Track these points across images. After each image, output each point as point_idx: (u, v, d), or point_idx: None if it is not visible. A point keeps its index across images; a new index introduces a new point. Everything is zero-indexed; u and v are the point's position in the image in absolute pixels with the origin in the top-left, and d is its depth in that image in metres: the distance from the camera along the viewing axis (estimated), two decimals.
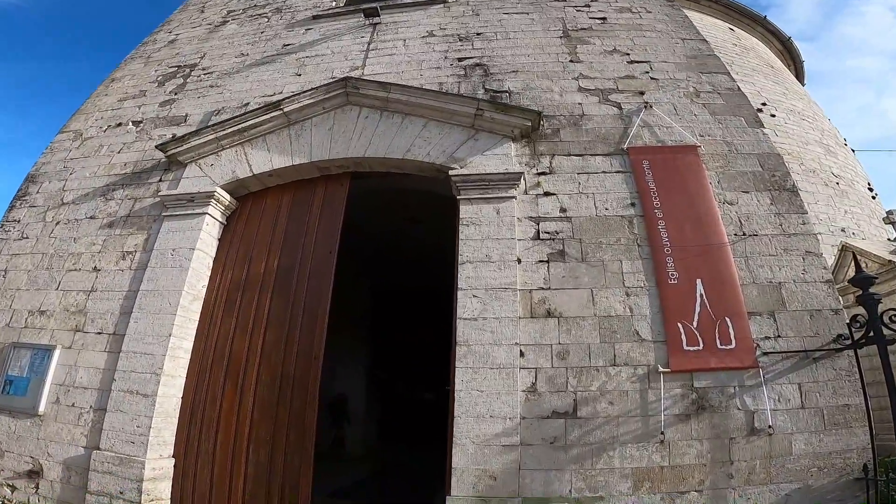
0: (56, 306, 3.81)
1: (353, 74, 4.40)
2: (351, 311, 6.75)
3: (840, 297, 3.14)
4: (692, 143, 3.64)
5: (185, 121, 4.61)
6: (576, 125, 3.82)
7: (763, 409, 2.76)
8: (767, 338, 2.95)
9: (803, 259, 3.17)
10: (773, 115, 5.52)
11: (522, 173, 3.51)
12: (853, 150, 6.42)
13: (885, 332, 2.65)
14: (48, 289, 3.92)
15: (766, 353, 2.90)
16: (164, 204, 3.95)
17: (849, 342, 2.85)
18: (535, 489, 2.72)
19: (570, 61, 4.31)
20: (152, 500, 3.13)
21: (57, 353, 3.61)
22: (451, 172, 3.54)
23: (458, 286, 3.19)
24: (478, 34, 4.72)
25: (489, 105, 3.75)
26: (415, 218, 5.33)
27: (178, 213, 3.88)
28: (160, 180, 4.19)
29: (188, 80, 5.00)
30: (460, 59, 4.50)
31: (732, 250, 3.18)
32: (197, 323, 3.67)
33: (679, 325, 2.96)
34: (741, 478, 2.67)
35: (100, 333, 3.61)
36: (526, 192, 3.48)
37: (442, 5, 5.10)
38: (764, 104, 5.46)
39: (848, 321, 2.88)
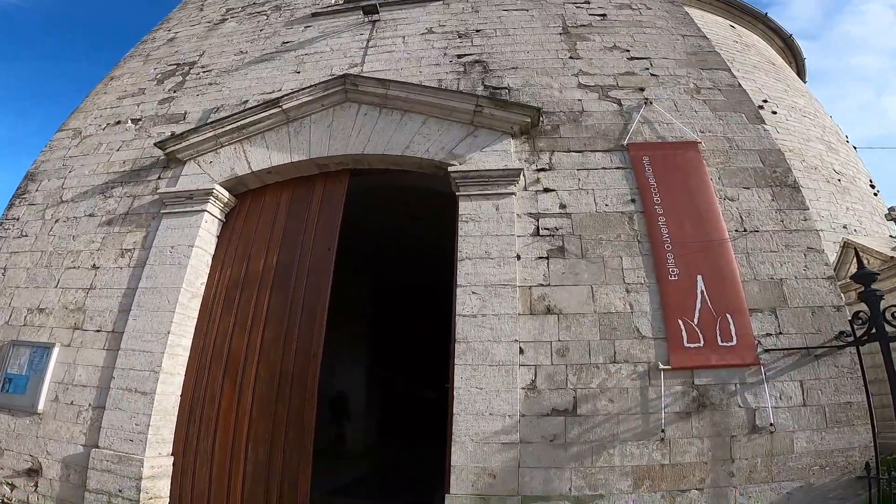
0: (55, 304, 3.81)
1: (353, 71, 4.39)
2: (351, 308, 6.74)
3: (842, 294, 3.12)
4: (693, 139, 3.62)
5: (185, 118, 4.60)
6: (575, 121, 3.81)
7: (764, 407, 2.75)
8: (769, 335, 2.93)
9: (805, 255, 3.15)
10: (775, 112, 5.50)
11: (522, 170, 3.50)
12: (855, 147, 6.40)
13: (888, 328, 2.62)
14: (47, 286, 3.91)
15: (767, 350, 2.88)
16: (163, 201, 3.95)
17: (851, 339, 2.83)
18: (534, 487, 2.70)
19: (570, 58, 4.29)
20: (151, 499, 3.12)
21: (56, 350, 3.60)
22: (450, 169, 3.53)
23: (458, 283, 3.17)
24: (477, 31, 4.70)
25: (488, 101, 3.74)
26: (414, 215, 5.32)
27: (176, 210, 3.88)
28: (159, 178, 4.19)
29: (187, 78, 5.00)
30: (460, 56, 4.49)
31: (733, 246, 3.16)
32: (196, 320, 3.66)
33: (679, 321, 2.95)
34: (742, 476, 2.65)
35: (98, 331, 3.61)
36: (525, 189, 3.47)
37: (441, 2, 5.09)
38: (765, 101, 5.44)
39: (850, 318, 2.86)
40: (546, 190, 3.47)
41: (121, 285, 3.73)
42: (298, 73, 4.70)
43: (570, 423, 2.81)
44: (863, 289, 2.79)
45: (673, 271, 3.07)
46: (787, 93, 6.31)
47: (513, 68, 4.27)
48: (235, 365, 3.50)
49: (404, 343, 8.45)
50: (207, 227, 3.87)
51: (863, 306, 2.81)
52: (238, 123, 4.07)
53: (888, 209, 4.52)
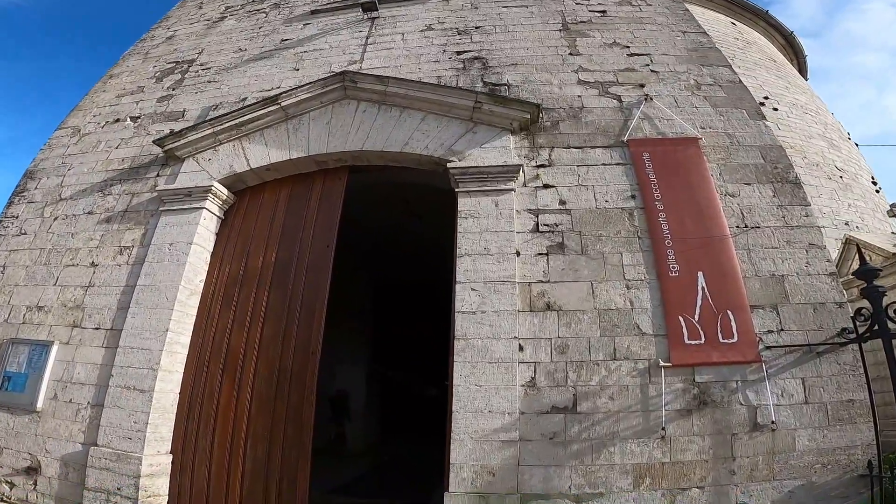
0: (54, 302, 3.80)
1: (352, 69, 4.38)
2: (351, 306, 6.74)
3: (844, 291, 3.10)
4: (693, 135, 3.60)
5: (183, 116, 4.60)
6: (575, 118, 3.79)
7: (766, 405, 2.73)
8: (770, 331, 2.91)
9: (806, 251, 3.12)
10: (776, 109, 5.47)
11: (521, 166, 3.48)
12: (857, 145, 6.37)
13: (890, 325, 2.60)
14: (46, 284, 3.91)
15: (768, 347, 2.86)
16: (162, 199, 3.94)
17: (853, 336, 2.81)
18: (534, 485, 2.69)
19: (570, 54, 4.28)
20: (150, 497, 3.11)
21: (55, 348, 3.60)
22: (449, 165, 3.51)
23: (457, 279, 3.16)
24: (476, 28, 4.69)
25: (488, 98, 3.72)
26: (414, 212, 5.31)
27: (175, 207, 3.87)
28: (157, 175, 4.18)
29: (186, 76, 4.99)
30: (459, 53, 4.47)
31: (734, 242, 3.14)
32: (194, 318, 3.66)
33: (680, 318, 2.93)
34: (743, 474, 2.63)
35: (97, 329, 3.60)
36: (525, 185, 3.45)
37: None
38: (766, 98, 5.41)
39: (852, 315, 2.84)
40: (546, 186, 3.45)
41: (119, 283, 3.72)
42: (297, 70, 4.69)
43: (569, 420, 2.80)
44: (865, 285, 2.77)
45: (673, 267, 3.05)
46: (788, 90, 6.28)
47: (512, 65, 4.25)
48: (234, 362, 3.49)
49: (405, 340, 8.44)
50: (206, 225, 3.86)
51: (865, 303, 2.79)
52: (237, 121, 4.07)
53: (890, 206, 4.50)
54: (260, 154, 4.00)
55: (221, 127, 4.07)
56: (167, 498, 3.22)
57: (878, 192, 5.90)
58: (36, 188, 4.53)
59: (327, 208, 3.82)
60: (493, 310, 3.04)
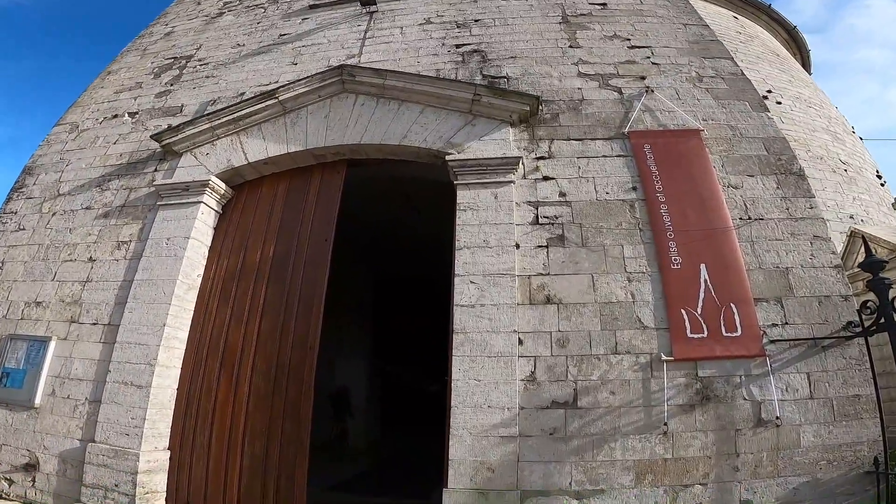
0: (52, 297, 3.79)
1: (350, 62, 4.35)
2: (351, 301, 6.70)
3: (849, 284, 3.04)
4: (695, 126, 3.55)
5: (181, 111, 4.58)
6: (575, 110, 3.75)
7: (770, 400, 2.68)
8: (774, 325, 2.86)
9: (811, 244, 3.07)
10: (779, 103, 5.42)
11: (521, 158, 3.45)
12: (861, 138, 6.31)
13: None
14: (44, 280, 3.90)
15: (773, 341, 2.81)
16: (159, 193, 3.92)
17: (859, 329, 2.76)
18: (534, 482, 2.65)
19: (570, 46, 4.24)
20: (147, 493, 3.09)
21: (52, 344, 3.59)
22: (448, 158, 3.48)
23: (456, 272, 3.13)
24: (476, 21, 4.66)
25: (487, 90, 3.69)
26: (414, 205, 5.28)
27: (172, 202, 3.85)
28: (155, 170, 4.16)
29: (184, 72, 4.98)
30: (458, 46, 4.44)
31: (737, 235, 3.10)
32: (192, 313, 3.64)
33: (682, 311, 2.88)
34: (747, 471, 2.59)
35: (95, 324, 3.58)
36: (524, 177, 3.42)
37: None
38: (769, 91, 5.36)
39: (858, 308, 2.79)
40: (545, 178, 3.41)
41: (117, 278, 3.71)
42: (295, 64, 4.67)
43: (570, 415, 2.76)
44: (871, 277, 2.72)
45: (675, 260, 3.01)
46: (791, 83, 6.21)
47: (511, 58, 4.22)
48: (232, 357, 3.46)
49: (406, 335, 8.39)
50: (204, 219, 3.84)
51: (871, 296, 2.73)
52: (234, 115, 4.05)
53: (895, 199, 4.43)
54: (258, 148, 3.98)
55: (219, 121, 4.05)
56: (165, 494, 3.20)
57: (882, 185, 5.84)
58: (34, 184, 4.52)
59: (325, 202, 3.79)
60: (492, 303, 3.00)
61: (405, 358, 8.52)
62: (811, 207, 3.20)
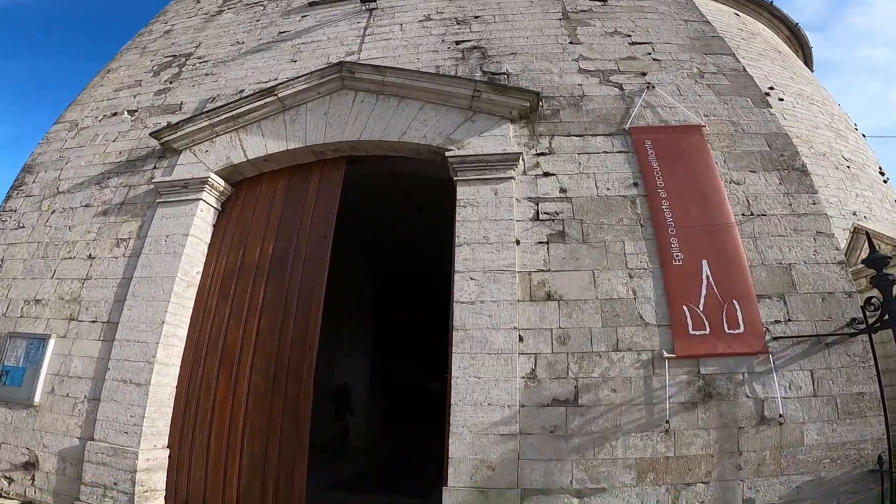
0: (51, 295, 3.78)
1: (350, 59, 4.34)
2: (351, 298, 6.69)
3: (853, 281, 3.01)
4: (696, 122, 3.53)
5: (181, 109, 4.57)
6: (576, 106, 3.73)
7: (773, 397, 2.66)
8: (777, 322, 2.84)
9: (814, 240, 3.05)
10: (781, 100, 5.39)
11: (521, 154, 3.43)
12: (864, 136, 6.27)
13: None
14: (43, 277, 3.89)
15: (776, 338, 2.79)
16: (158, 191, 3.91)
17: (862, 326, 2.73)
18: (534, 480, 2.63)
19: (570, 43, 4.22)
20: (147, 491, 3.08)
21: (52, 342, 3.58)
22: (447, 154, 3.46)
23: (455, 269, 3.11)
24: (475, 17, 4.64)
25: (486, 86, 3.67)
26: (415, 203, 5.26)
27: (171, 199, 3.84)
28: (154, 167, 4.16)
29: (183, 69, 4.97)
30: (458, 43, 4.42)
31: (740, 231, 3.07)
32: (191, 310, 3.63)
33: (684, 308, 2.86)
34: (750, 469, 2.57)
35: (94, 322, 3.57)
36: (525, 173, 3.40)
37: None
38: (771, 88, 5.33)
39: (862, 304, 2.76)
40: (546, 174, 3.39)
41: (116, 275, 3.70)
42: (295, 62, 4.66)
43: (571, 413, 2.74)
44: (875, 274, 2.69)
45: (677, 256, 2.98)
46: (793, 80, 6.18)
47: (512, 54, 4.20)
48: (231, 355, 3.45)
49: (407, 332, 8.35)
50: (203, 216, 3.83)
51: (875, 293, 2.71)
52: (233, 112, 4.03)
53: None
54: (257, 145, 3.97)
55: (218, 119, 4.04)
56: (164, 493, 3.19)
57: (885, 182, 5.81)
58: (34, 182, 4.52)
59: (325, 199, 3.77)
60: (492, 299, 2.98)
61: (406, 355, 8.49)
62: (814, 203, 3.17)
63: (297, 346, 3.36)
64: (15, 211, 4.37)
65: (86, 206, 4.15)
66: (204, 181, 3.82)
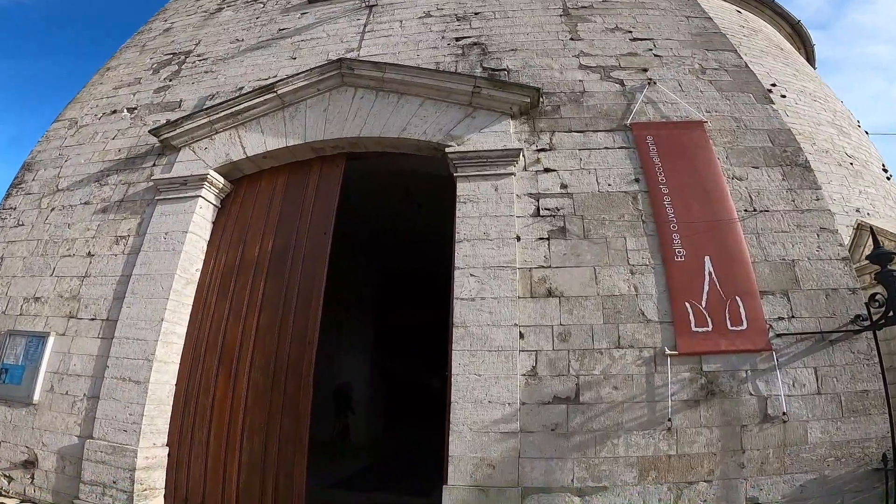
0: (50, 292, 3.77)
1: (349, 56, 4.32)
2: (351, 296, 6.67)
3: (857, 277, 2.99)
4: (698, 118, 3.51)
5: (180, 106, 4.56)
6: (576, 102, 3.71)
7: (777, 395, 2.63)
8: (781, 318, 2.81)
9: (818, 236, 3.02)
10: (784, 96, 5.36)
11: (521, 150, 3.41)
12: (867, 133, 6.23)
13: None
14: (43, 275, 3.88)
15: (779, 335, 2.76)
16: (158, 188, 3.90)
17: (867, 323, 2.71)
18: (535, 478, 2.61)
19: (571, 39, 4.20)
20: (146, 490, 3.07)
21: (51, 340, 3.57)
22: (447, 150, 3.44)
23: (455, 265, 3.09)
24: (476, 13, 4.62)
25: (487, 82, 3.65)
26: (415, 200, 5.24)
27: (171, 196, 3.83)
28: (154, 165, 4.15)
29: (183, 67, 4.96)
30: (458, 39, 4.40)
31: (742, 227, 3.05)
32: (191, 308, 3.61)
33: (687, 304, 2.83)
34: (753, 467, 2.54)
35: (93, 319, 3.56)
36: (525, 169, 3.38)
37: None
38: (774, 84, 5.30)
39: (866, 301, 2.73)
40: (546, 170, 3.37)
41: (115, 272, 3.69)
42: (294, 59, 4.64)
43: (572, 411, 2.71)
44: (879, 270, 2.66)
45: (679, 252, 2.96)
46: (796, 77, 6.15)
47: (512, 50, 4.18)
48: (230, 353, 3.43)
49: (408, 330, 8.32)
50: (202, 213, 3.82)
51: (879, 289, 2.68)
52: (233, 109, 4.02)
53: None
54: (256, 142, 3.95)
55: (217, 116, 4.03)
56: (164, 491, 3.18)
57: (889, 179, 5.78)
58: (33, 180, 4.51)
59: (324, 196, 3.76)
60: (492, 296, 2.96)
61: (407, 352, 8.46)
62: (817, 199, 3.15)
63: (296, 342, 3.34)
64: (14, 209, 4.37)
65: (85, 203, 4.15)
66: (203, 178, 3.81)
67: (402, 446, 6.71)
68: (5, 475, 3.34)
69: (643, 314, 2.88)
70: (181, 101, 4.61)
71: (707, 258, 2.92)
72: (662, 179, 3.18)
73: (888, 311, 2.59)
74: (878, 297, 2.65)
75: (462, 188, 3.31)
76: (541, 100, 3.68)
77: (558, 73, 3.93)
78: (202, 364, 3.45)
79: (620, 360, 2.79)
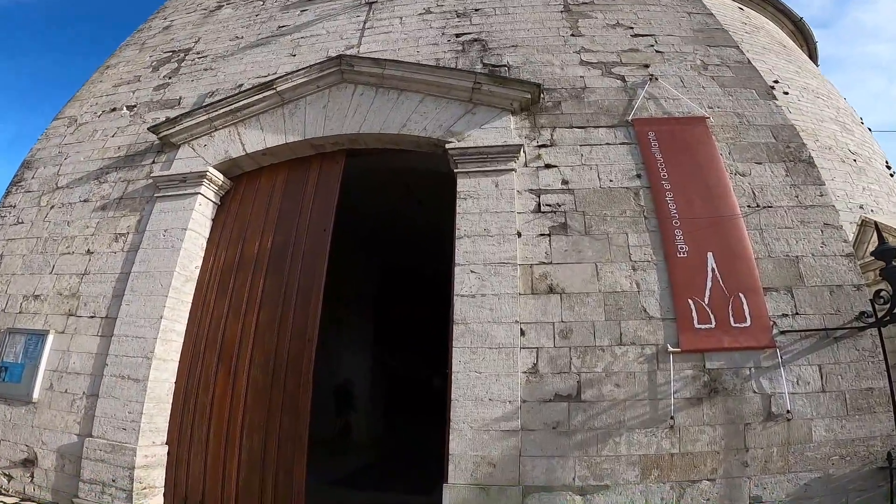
0: (50, 290, 3.76)
1: (349, 53, 4.30)
2: (352, 293, 6.65)
3: (862, 274, 2.95)
4: (701, 114, 3.48)
5: (179, 103, 4.55)
6: (577, 98, 3.69)
7: (781, 393, 2.60)
8: (785, 315, 2.78)
9: (822, 231, 2.99)
10: (787, 93, 5.32)
11: (522, 145, 3.39)
12: (870, 130, 6.20)
13: None
14: (42, 273, 3.87)
15: (783, 332, 2.73)
16: (157, 185, 3.89)
17: (872, 320, 2.68)
18: (536, 477, 2.59)
19: (572, 35, 4.17)
20: (145, 488, 3.05)
21: (50, 338, 3.56)
22: (448, 146, 3.43)
23: (456, 261, 3.07)
24: (476, 10, 4.60)
25: (487, 78, 3.63)
26: (416, 197, 5.22)
27: (170, 193, 3.82)
28: (153, 162, 4.13)
29: (182, 65, 4.95)
30: (458, 35, 4.38)
31: (746, 222, 3.02)
32: (190, 305, 3.60)
33: (689, 301, 2.80)
34: (757, 466, 2.51)
35: (92, 317, 3.55)
36: (526, 165, 3.36)
37: None
38: (776, 81, 5.25)
39: (871, 297, 2.70)
40: (547, 166, 3.35)
41: (115, 270, 3.67)
42: (294, 56, 4.63)
43: (573, 409, 2.69)
44: (884, 266, 2.64)
45: (682, 248, 2.93)
46: (798, 74, 6.11)
47: (512, 46, 4.16)
48: (230, 350, 3.42)
49: (409, 327, 8.29)
50: (202, 210, 3.81)
51: (884, 285, 2.65)
52: (232, 106, 4.01)
53: None
54: (256, 139, 3.94)
55: (217, 113, 4.02)
56: (163, 489, 3.16)
57: (892, 175, 5.73)
58: (33, 177, 4.51)
59: (324, 192, 3.74)
60: (493, 293, 2.94)
61: (407, 350, 8.44)
62: (821, 195, 3.12)
63: (296, 339, 3.32)
64: (14, 206, 4.36)
65: (84, 201, 4.14)
66: (202, 175, 3.79)
67: (404, 444, 6.69)
68: (5, 474, 3.32)
69: (645, 311, 2.85)
70: (181, 98, 4.60)
71: (710, 254, 2.90)
72: (664, 175, 3.16)
73: (893, 308, 2.56)
74: (882, 293, 2.63)
75: (462, 184, 3.29)
76: (542, 96, 3.66)
77: (559, 69, 3.91)
78: (201, 362, 3.43)
79: (622, 358, 2.76)
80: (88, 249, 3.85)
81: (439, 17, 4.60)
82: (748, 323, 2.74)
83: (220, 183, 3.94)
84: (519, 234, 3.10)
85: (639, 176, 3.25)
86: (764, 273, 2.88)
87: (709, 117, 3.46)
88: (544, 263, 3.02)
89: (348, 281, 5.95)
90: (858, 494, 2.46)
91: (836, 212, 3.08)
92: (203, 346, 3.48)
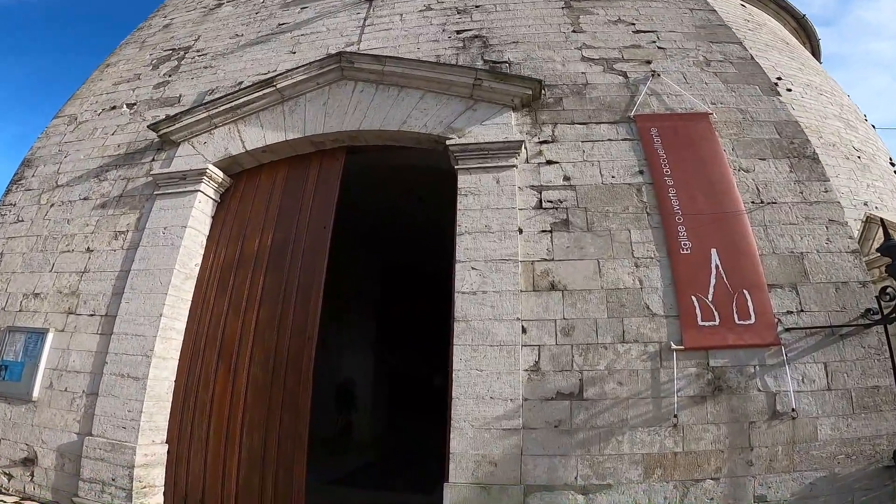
0: (50, 288, 3.75)
1: (349, 50, 4.28)
2: (352, 290, 6.63)
3: (867, 271, 2.92)
4: (704, 110, 3.45)
5: (179, 101, 4.54)
6: (579, 94, 3.66)
7: (786, 391, 2.57)
8: (790, 312, 2.75)
9: (827, 228, 2.96)
10: (790, 90, 5.29)
11: (523, 142, 3.36)
12: (874, 127, 6.16)
13: None
14: (42, 271, 3.87)
15: (788, 329, 2.70)
16: (157, 183, 3.88)
17: (878, 317, 2.64)
18: (538, 476, 2.56)
19: (573, 31, 4.15)
20: (145, 487, 3.04)
21: (50, 336, 3.55)
22: (448, 143, 3.40)
23: (457, 258, 3.05)
24: (476, 6, 4.57)
25: (488, 75, 3.61)
26: (416, 194, 5.20)
27: (170, 191, 3.80)
28: (153, 160, 4.13)
29: (182, 63, 4.94)
30: (459, 32, 4.36)
31: (750, 219, 2.99)
32: (190, 303, 3.58)
33: (693, 298, 2.77)
34: (762, 465, 2.48)
35: (92, 315, 3.54)
36: (527, 161, 3.33)
37: None
38: (780, 78, 5.23)
39: (877, 294, 2.67)
40: (549, 162, 3.32)
41: (114, 268, 3.66)
42: (294, 53, 4.61)
43: (575, 407, 2.66)
44: (890, 262, 2.60)
45: (685, 245, 2.90)
46: (801, 70, 6.07)
47: (513, 43, 4.13)
48: (230, 348, 3.40)
49: (411, 325, 8.26)
50: (201, 208, 3.79)
51: (890, 282, 2.62)
52: (232, 104, 3.99)
53: None
54: (256, 136, 3.92)
55: (216, 110, 4.00)
56: (163, 488, 3.15)
57: None
58: (33, 176, 4.50)
59: (324, 190, 3.72)
60: (494, 290, 2.92)
61: (408, 348, 8.41)
62: (826, 191, 3.08)
63: (296, 336, 3.30)
64: (14, 205, 4.36)
65: (84, 199, 4.13)
66: (202, 172, 3.78)
67: (405, 442, 6.68)
68: (5, 473, 3.31)
69: (648, 308, 2.82)
70: (180, 96, 4.59)
71: (713, 251, 2.87)
72: (667, 171, 3.13)
73: None
74: (888, 290, 2.59)
75: (463, 180, 3.27)
76: (543, 92, 3.64)
77: (560, 65, 3.88)
78: (201, 360, 3.42)
79: (625, 355, 2.74)
80: (88, 247, 3.84)
81: (440, 14, 4.57)
82: (752, 320, 2.71)
83: (220, 180, 3.92)
84: (520, 231, 3.07)
85: (641, 172, 3.22)
86: (768, 270, 2.85)
87: (712, 113, 3.43)
88: (546, 260, 2.99)
89: (349, 278, 5.93)
90: (864, 493, 2.43)
91: (841, 208, 3.05)
92: (203, 344, 3.46)
